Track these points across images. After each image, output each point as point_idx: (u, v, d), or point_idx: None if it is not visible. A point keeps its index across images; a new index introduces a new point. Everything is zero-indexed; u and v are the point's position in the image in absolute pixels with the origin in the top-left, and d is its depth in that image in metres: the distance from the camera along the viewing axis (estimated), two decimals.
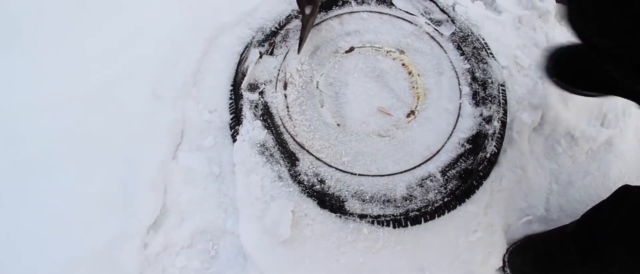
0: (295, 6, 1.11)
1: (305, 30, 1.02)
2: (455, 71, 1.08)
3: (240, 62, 1.05)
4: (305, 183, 0.94)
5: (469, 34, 1.13)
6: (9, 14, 1.05)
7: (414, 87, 1.06)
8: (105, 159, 0.92)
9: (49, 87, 0.97)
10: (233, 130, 0.99)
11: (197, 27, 1.06)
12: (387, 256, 0.92)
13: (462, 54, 1.10)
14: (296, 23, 1.10)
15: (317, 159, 0.97)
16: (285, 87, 1.04)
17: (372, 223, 0.93)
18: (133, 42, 1.03)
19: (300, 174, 0.95)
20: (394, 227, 0.93)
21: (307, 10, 0.97)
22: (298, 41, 1.03)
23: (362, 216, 0.93)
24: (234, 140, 0.98)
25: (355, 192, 0.94)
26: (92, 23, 1.06)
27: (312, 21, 1.02)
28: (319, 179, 0.95)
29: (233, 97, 1.02)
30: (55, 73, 0.99)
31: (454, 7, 1.16)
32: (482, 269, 0.94)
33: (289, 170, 0.95)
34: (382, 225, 0.93)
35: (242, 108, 1.00)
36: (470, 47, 1.11)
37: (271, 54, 1.06)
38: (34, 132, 0.94)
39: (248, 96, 1.01)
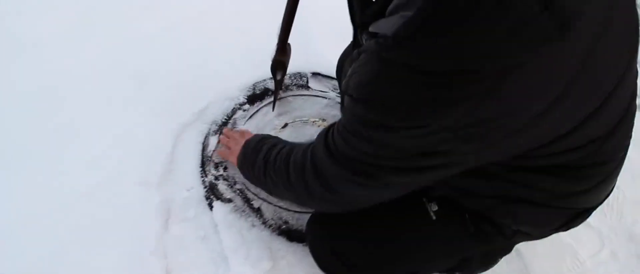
0: (238, 101, 1.46)
1: (277, 91, 1.36)
2: None
3: (204, 149, 1.35)
4: (273, 226, 1.23)
5: None
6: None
7: None
8: (115, 239, 1.15)
9: (56, 191, 1.21)
10: (208, 200, 1.26)
11: (166, 129, 1.36)
12: None
13: None
14: (240, 113, 1.44)
15: (279, 207, 1.27)
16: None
17: None
18: (116, 147, 1.30)
19: (268, 221, 1.24)
20: None
21: (278, 76, 1.31)
22: (272, 102, 1.40)
23: None
24: (211, 207, 1.25)
25: None
26: (74, 136, 1.32)
27: (282, 83, 1.36)
28: (283, 221, 1.24)
29: (203, 176, 1.30)
30: (58, 179, 1.23)
31: None
32: None
33: (259, 219, 1.24)
34: None
35: (212, 183, 1.28)
36: None
37: None
38: (45, 232, 1.16)
39: (214, 173, 1.31)
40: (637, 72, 0.74)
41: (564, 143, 0.67)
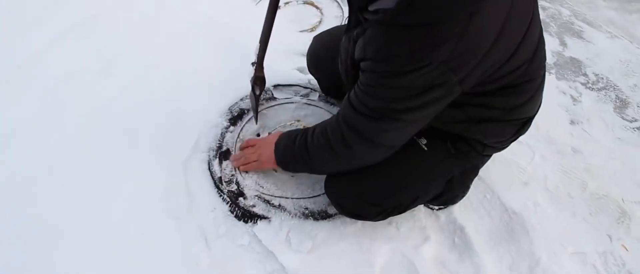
0: (222, 126, 1.62)
1: (257, 105, 1.55)
2: None
3: (211, 172, 1.50)
4: (297, 214, 1.43)
5: None
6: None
7: None
8: (173, 271, 1.28)
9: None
10: (233, 213, 1.42)
11: (171, 168, 1.48)
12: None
13: (332, 104, 1.74)
14: (229, 135, 1.60)
15: (295, 198, 1.46)
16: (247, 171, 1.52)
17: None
18: (135, 199, 1.41)
19: (291, 212, 1.43)
20: None
21: (257, 91, 1.50)
22: (254, 115, 1.59)
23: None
24: (238, 219, 1.41)
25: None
26: (91, 205, 1.39)
27: (260, 97, 1.55)
28: (304, 207, 1.45)
29: (221, 194, 1.45)
30: (96, 248, 1.31)
31: (309, 81, 1.81)
32: None
33: (283, 212, 1.42)
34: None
35: (230, 198, 1.44)
36: (332, 98, 1.77)
37: (226, 157, 1.54)
38: None
39: (228, 189, 1.46)
40: (538, 16, 1.09)
41: (506, 67, 1.00)
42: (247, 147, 1.51)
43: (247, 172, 1.51)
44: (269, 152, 1.38)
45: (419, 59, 0.89)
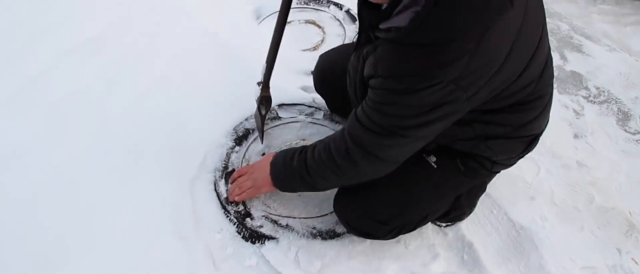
0: (228, 146, 1.62)
1: (262, 125, 1.55)
2: None
3: (217, 193, 1.49)
4: (305, 234, 1.42)
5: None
6: None
7: None
8: None
9: None
10: (241, 234, 1.41)
11: (178, 189, 1.48)
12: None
13: (337, 123, 1.75)
14: (234, 155, 1.60)
15: (302, 218, 1.46)
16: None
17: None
18: (142, 218, 1.40)
19: (299, 231, 1.42)
20: None
21: (263, 111, 1.50)
22: (259, 135, 1.60)
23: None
24: (246, 240, 1.40)
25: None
26: (97, 223, 1.39)
27: (265, 116, 1.56)
28: (311, 226, 1.44)
29: (227, 215, 1.44)
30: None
31: (314, 100, 1.82)
32: None
33: (291, 232, 1.42)
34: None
35: (238, 219, 1.43)
36: (338, 117, 1.77)
37: None
38: None
39: (235, 209, 1.46)
40: (547, 33, 1.09)
41: (516, 84, 1.00)
42: (238, 176, 1.48)
43: None
44: (263, 175, 1.36)
45: (431, 77, 0.89)
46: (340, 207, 1.34)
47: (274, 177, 1.34)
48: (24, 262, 1.29)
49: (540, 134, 1.25)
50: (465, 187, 1.32)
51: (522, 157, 1.31)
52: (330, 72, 1.56)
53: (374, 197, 1.26)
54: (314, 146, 1.23)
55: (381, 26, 0.96)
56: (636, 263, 1.48)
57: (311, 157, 1.21)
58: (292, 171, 1.26)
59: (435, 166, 1.26)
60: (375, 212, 1.26)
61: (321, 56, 1.63)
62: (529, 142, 1.23)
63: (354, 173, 1.16)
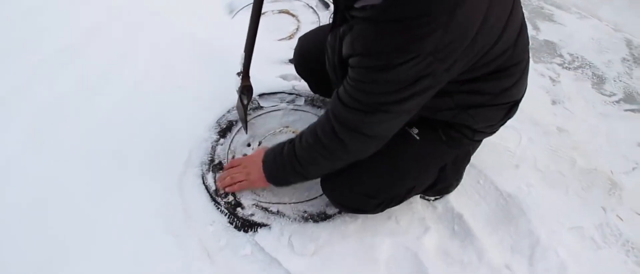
0: (212, 139, 1.61)
1: (245, 115, 1.55)
2: None
3: (206, 186, 1.49)
4: (297, 218, 1.42)
5: (314, 97, 1.80)
6: None
7: None
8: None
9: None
10: (233, 224, 1.41)
11: (166, 186, 1.47)
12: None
13: (319, 107, 1.75)
14: (219, 148, 1.60)
15: (292, 203, 1.46)
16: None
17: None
18: (134, 218, 1.39)
19: (290, 217, 1.43)
20: None
21: (245, 100, 1.50)
22: (243, 125, 1.60)
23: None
24: (238, 229, 1.40)
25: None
26: (90, 227, 1.37)
27: (248, 106, 1.56)
28: (302, 210, 1.45)
29: (218, 207, 1.44)
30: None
31: (294, 87, 1.82)
32: None
33: (283, 218, 1.42)
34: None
35: (228, 209, 1.43)
36: (319, 102, 1.77)
37: (220, 169, 1.54)
38: None
39: (225, 201, 1.45)
40: (520, 2, 1.12)
41: (491, 53, 1.02)
42: (231, 167, 1.48)
43: None
44: (257, 170, 1.36)
45: (408, 51, 0.90)
46: (328, 185, 1.35)
47: (267, 173, 1.35)
48: (22, 265, 1.29)
49: (520, 100, 1.27)
50: (449, 157, 1.34)
51: (503, 124, 1.33)
52: (310, 54, 1.56)
53: (360, 171, 1.27)
54: (300, 135, 1.24)
55: (356, 5, 0.97)
56: (621, 219, 1.51)
57: (299, 144, 1.22)
58: (283, 163, 1.27)
59: (417, 138, 1.28)
60: (362, 186, 1.27)
61: (300, 38, 1.63)
62: (509, 108, 1.25)
63: (342, 153, 1.16)
